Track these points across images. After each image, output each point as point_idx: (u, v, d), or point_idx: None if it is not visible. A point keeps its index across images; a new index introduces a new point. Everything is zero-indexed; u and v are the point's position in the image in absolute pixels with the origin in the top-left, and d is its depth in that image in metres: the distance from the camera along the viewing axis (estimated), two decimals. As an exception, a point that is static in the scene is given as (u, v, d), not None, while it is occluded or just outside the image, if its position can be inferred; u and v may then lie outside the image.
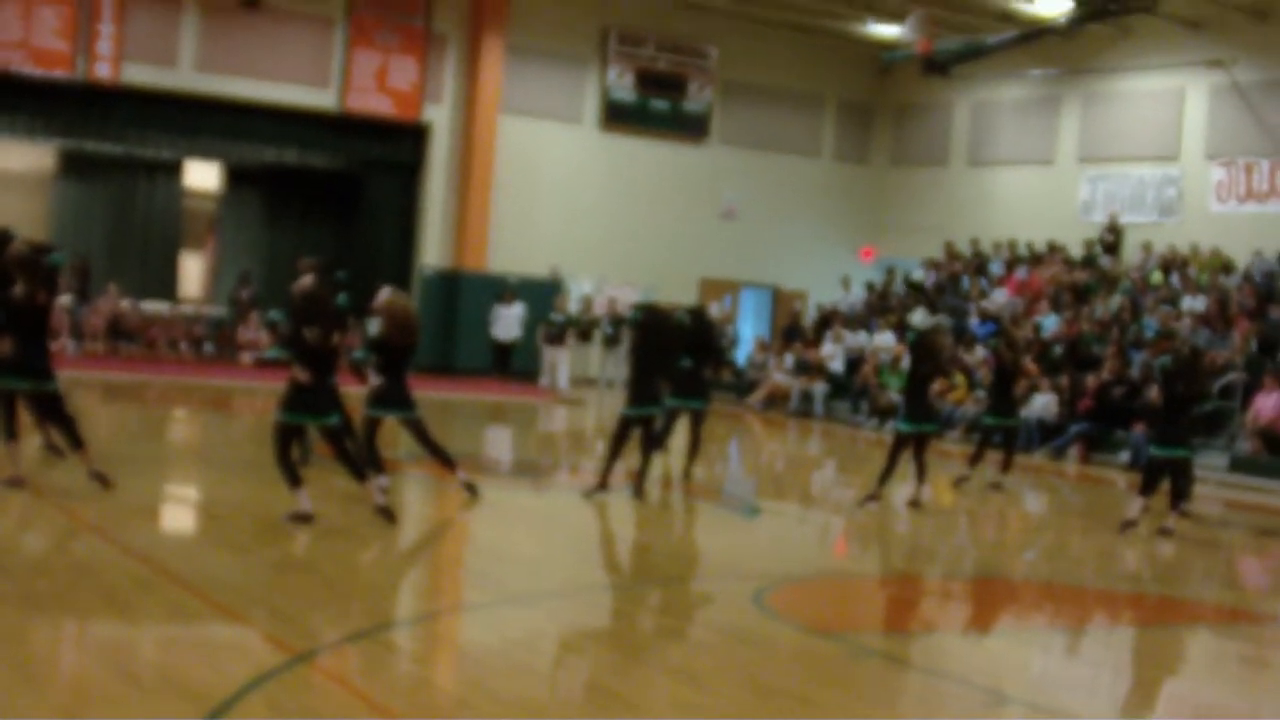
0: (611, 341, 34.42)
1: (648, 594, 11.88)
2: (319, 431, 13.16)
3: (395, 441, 17.12)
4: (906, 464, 17.57)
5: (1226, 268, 30.06)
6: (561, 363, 33.24)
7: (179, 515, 14.54)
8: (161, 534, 13.40)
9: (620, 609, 11.36)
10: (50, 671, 8.16)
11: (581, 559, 13.44)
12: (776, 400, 32.50)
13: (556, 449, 23.86)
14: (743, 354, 35.39)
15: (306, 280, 13.56)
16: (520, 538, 13.87)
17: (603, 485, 16.07)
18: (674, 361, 17.15)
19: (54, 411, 13.72)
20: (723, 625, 10.62)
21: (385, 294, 14.66)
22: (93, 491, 13.46)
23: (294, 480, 12.74)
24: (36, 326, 13.40)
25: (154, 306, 33.05)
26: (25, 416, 14.00)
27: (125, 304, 31.97)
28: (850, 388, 31.53)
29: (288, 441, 12.84)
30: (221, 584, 10.38)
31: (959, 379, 28.32)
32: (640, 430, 16.27)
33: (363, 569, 11.96)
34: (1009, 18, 32.77)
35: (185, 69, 31.77)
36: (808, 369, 32.47)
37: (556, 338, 33.33)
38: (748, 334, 36.84)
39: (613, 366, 34.48)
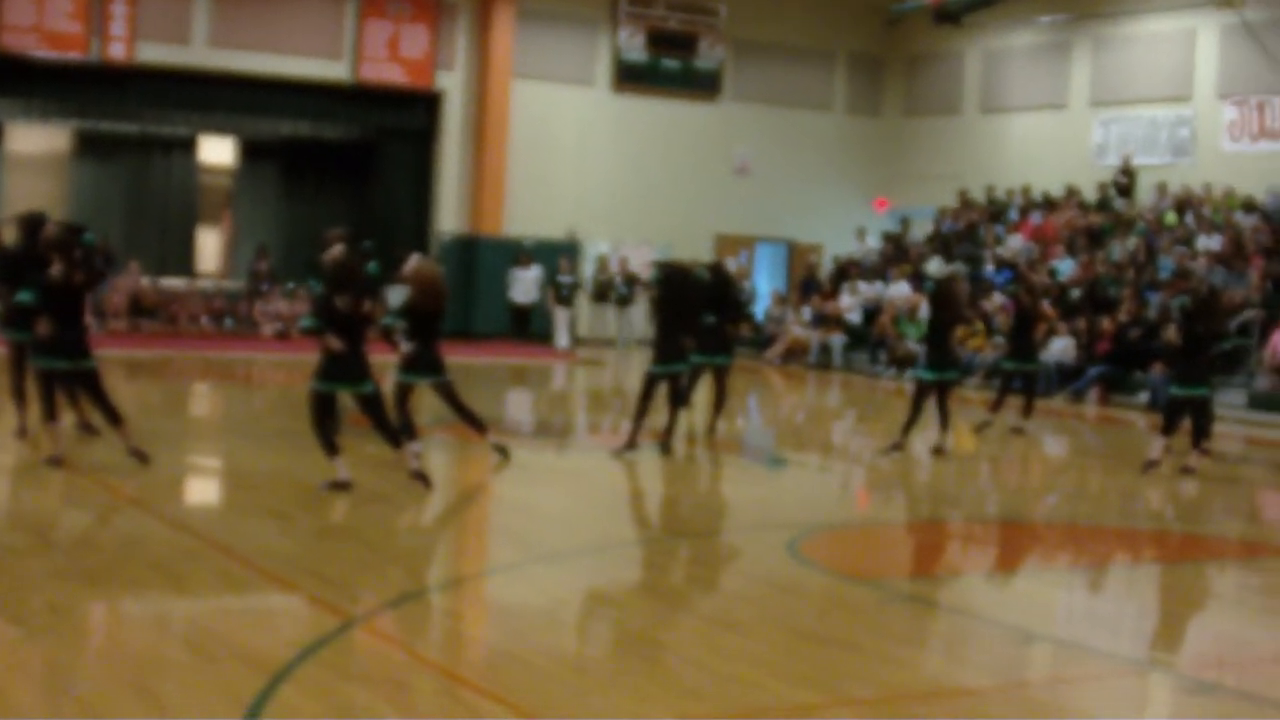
0: (624, 301, 34.63)
1: (683, 547, 12.11)
2: (354, 399, 13.36)
3: (420, 407, 17.34)
4: (929, 412, 17.79)
5: (1248, 206, 30.12)
6: (564, 323, 33.52)
7: (216, 487, 14.77)
8: (202, 506, 13.69)
9: (657, 562, 11.59)
10: (113, 644, 8.39)
11: (615, 516, 13.68)
12: (795, 353, 32.67)
13: (580, 409, 24.10)
14: (760, 308, 35.53)
15: (336, 250, 13.74)
16: (552, 497, 14.10)
17: (631, 444, 16.28)
18: (697, 318, 17.28)
19: (92, 389, 13.94)
20: (759, 574, 10.83)
21: (413, 261, 14.89)
22: (129, 467, 13.70)
23: (331, 448, 12.97)
24: (73, 306, 13.63)
25: (173, 282, 33.27)
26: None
27: (145, 281, 32.21)
28: (868, 339, 31.70)
29: (323, 410, 13.05)
30: (267, 552, 10.60)
31: (979, 326, 28.46)
32: (666, 387, 16.48)
33: (402, 533, 12.19)
34: (1016, -36, 32.87)
35: (198, 46, 31.96)
36: (825, 321, 32.64)
37: (565, 299, 33.57)
38: (764, 289, 36.97)
39: (627, 326, 34.71)
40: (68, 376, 13.95)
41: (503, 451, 15.31)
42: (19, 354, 15.31)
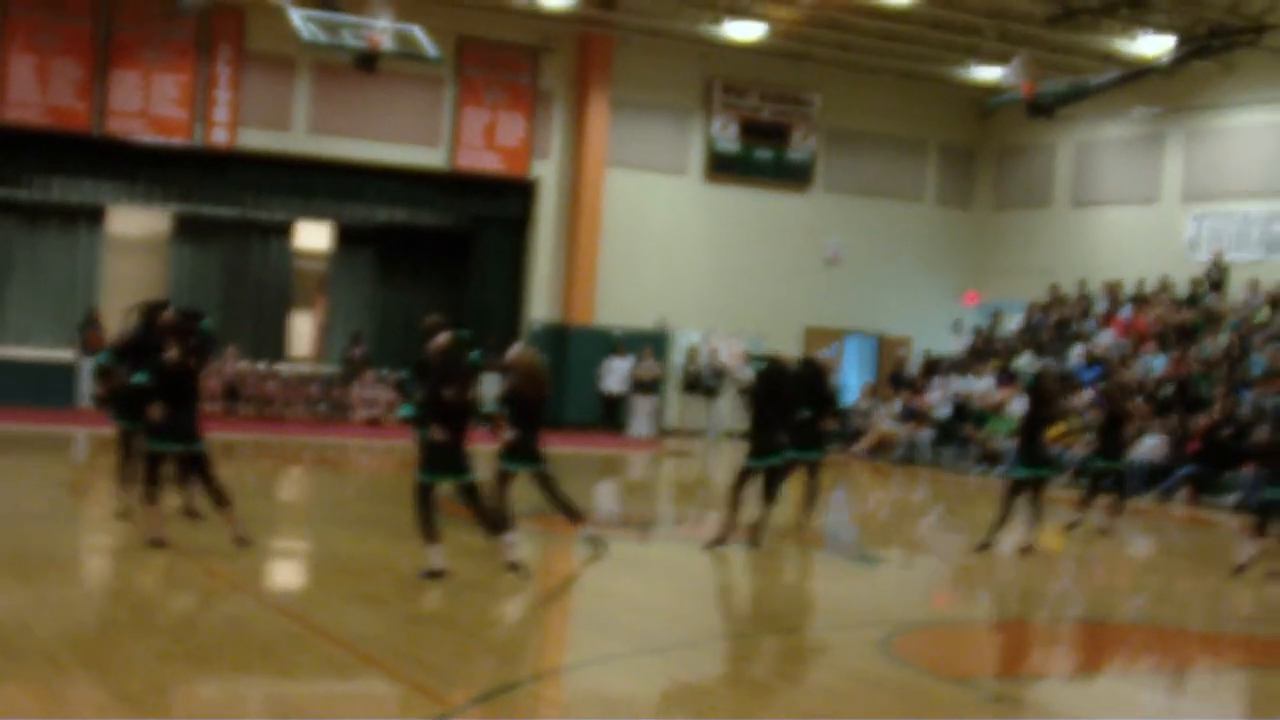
0: (711, 392, 34.77)
1: (778, 642, 12.19)
2: (456, 489, 13.51)
3: (514, 496, 17.52)
4: (1019, 509, 17.72)
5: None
6: (642, 412, 33.81)
7: (314, 571, 14.93)
8: (300, 590, 13.90)
9: (754, 657, 11.67)
10: (221, 725, 8.55)
11: (709, 609, 13.83)
12: (883, 448, 32.64)
13: (668, 500, 24.19)
14: (848, 401, 35.53)
15: (442, 339, 13.95)
16: (644, 589, 14.20)
17: (724, 538, 16.33)
18: (793, 412, 17.32)
19: (202, 472, 14.19)
20: (855, 672, 10.89)
21: (515, 349, 15.12)
22: (229, 550, 13.95)
23: (431, 537, 13.13)
24: (187, 390, 13.93)
25: (266, 366, 33.56)
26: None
27: (243, 365, 32.58)
28: (956, 434, 31.61)
29: (427, 500, 13.23)
30: (368, 638, 10.77)
31: (1075, 422, 28.27)
32: (761, 481, 16.54)
33: (500, 622, 12.34)
34: (1111, 58, 32.87)
35: (298, 132, 32.46)
36: (914, 416, 32.62)
37: (647, 387, 33.78)
38: (853, 381, 37.00)
39: (716, 417, 34.84)
40: (179, 459, 14.24)
41: (596, 544, 15.43)
42: (127, 438, 15.61)
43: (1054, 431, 18.96)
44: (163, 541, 14.01)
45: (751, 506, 16.80)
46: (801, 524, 18.42)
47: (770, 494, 16.66)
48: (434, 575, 13.08)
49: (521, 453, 14.79)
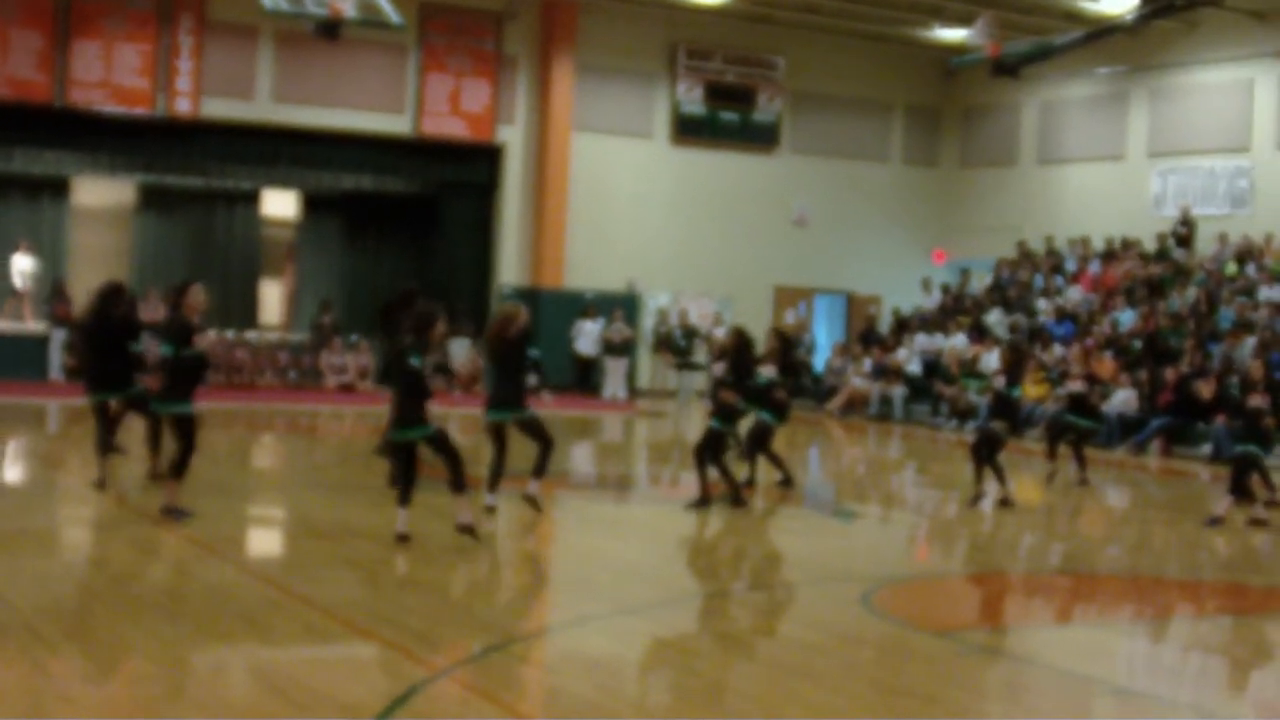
0: (682, 353, 34.72)
1: (759, 599, 12.21)
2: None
3: (482, 457, 17.51)
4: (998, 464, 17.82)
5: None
6: (615, 373, 33.76)
7: (291, 537, 14.84)
8: (278, 556, 13.86)
9: (734, 614, 11.67)
10: (210, 694, 8.49)
11: (688, 568, 13.84)
12: (856, 405, 32.70)
13: (642, 461, 24.20)
14: (820, 360, 35.61)
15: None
16: (625, 549, 14.23)
17: (704, 498, 16.31)
18: (754, 378, 17.34)
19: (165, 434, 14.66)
20: (836, 627, 10.89)
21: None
22: (206, 517, 13.91)
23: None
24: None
25: (236, 335, 33.43)
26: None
27: (213, 334, 32.39)
28: (929, 391, 31.68)
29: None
30: (347, 603, 10.74)
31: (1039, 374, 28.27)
32: (731, 441, 16.58)
33: (481, 584, 12.33)
34: (1075, 17, 32.91)
35: (262, 101, 32.34)
36: (886, 373, 32.67)
37: (618, 349, 33.75)
38: (823, 340, 37.06)
39: (687, 378, 34.77)
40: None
41: (533, 503, 15.25)
42: (104, 409, 15.92)
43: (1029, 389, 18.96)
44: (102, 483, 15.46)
45: (729, 466, 16.80)
46: (788, 481, 18.33)
47: (749, 453, 16.71)
48: (400, 539, 13.07)
49: (491, 402, 14.80)
